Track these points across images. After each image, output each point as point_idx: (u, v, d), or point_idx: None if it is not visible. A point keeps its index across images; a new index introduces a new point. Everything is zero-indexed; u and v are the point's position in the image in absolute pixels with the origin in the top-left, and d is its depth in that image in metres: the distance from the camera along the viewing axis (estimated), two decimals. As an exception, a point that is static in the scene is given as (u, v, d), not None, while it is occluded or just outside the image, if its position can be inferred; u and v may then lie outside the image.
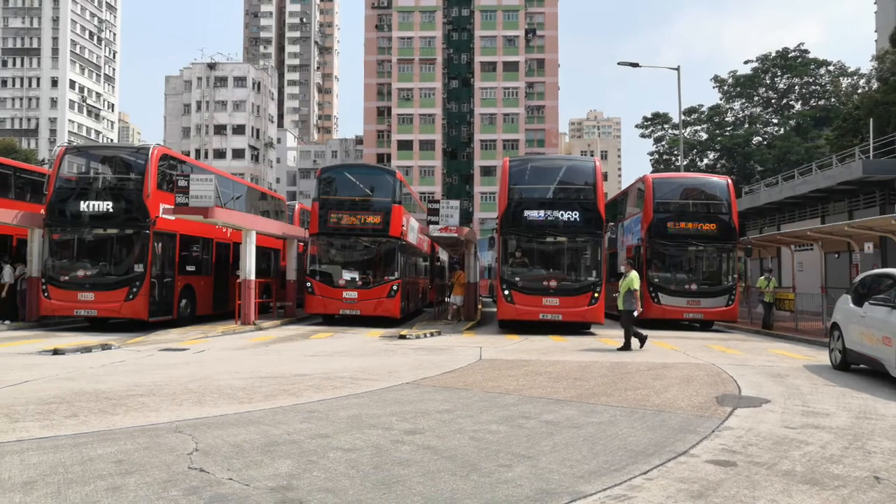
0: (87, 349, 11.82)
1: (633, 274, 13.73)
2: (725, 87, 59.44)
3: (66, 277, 15.81)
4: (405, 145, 72.91)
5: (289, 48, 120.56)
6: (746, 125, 58.65)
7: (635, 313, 13.54)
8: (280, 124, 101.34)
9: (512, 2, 72.87)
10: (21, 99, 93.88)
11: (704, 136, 60.13)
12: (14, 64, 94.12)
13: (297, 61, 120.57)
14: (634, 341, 13.53)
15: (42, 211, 16.56)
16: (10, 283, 16.73)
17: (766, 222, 37.92)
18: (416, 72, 73.08)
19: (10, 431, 5.73)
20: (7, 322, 16.37)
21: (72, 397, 7.34)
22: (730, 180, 20.88)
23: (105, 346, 12.26)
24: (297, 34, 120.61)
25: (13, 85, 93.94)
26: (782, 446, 5.71)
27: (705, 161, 59.08)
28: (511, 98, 72.17)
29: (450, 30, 75.10)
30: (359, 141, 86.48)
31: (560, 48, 75.52)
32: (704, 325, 20.10)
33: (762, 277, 19.59)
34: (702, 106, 60.64)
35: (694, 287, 19.40)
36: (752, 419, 6.82)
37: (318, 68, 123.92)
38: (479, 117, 72.56)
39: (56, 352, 11.33)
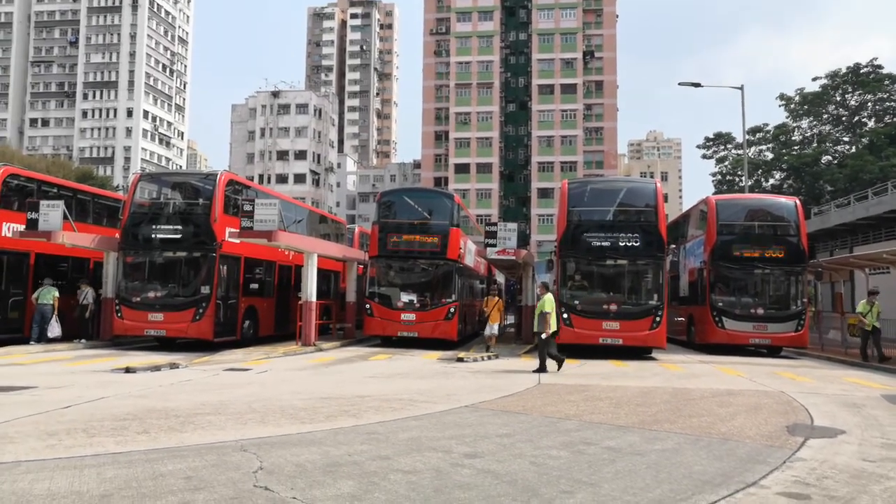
0: (157, 368, 12.26)
1: (547, 296, 13.54)
2: (792, 106, 57.64)
3: (138, 298, 16.46)
4: (462, 169, 73.39)
5: (349, 75, 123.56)
6: (815, 144, 56.67)
7: (543, 335, 13.29)
8: (340, 149, 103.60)
9: (570, 24, 72.92)
10: (99, 129, 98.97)
11: (770, 155, 58.34)
12: (94, 96, 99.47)
13: (356, 88, 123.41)
14: (552, 363, 13.38)
15: (117, 235, 17.35)
16: (90, 303, 17.50)
17: (837, 244, 36.40)
18: (473, 96, 73.72)
19: (87, 446, 5.99)
20: (83, 341, 17.13)
21: (143, 414, 7.62)
22: (798, 201, 20.19)
23: (173, 365, 12.69)
24: (357, 62, 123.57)
25: (92, 116, 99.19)
26: (860, 480, 5.44)
27: (771, 181, 57.28)
28: (569, 120, 71.87)
29: (507, 54, 75.60)
30: (417, 165, 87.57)
31: (618, 69, 74.90)
32: (772, 352, 19.36)
33: (864, 301, 17.13)
34: (767, 125, 58.98)
35: (760, 311, 18.74)
36: (826, 450, 6.52)
37: (377, 94, 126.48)
38: (537, 140, 72.48)
39: (128, 370, 11.79)
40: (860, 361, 16.61)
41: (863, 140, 53.05)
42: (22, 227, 16.05)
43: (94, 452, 5.76)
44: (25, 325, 16.69)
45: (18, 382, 10.09)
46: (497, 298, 18.58)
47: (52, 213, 15.91)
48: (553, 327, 13.39)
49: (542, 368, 13.21)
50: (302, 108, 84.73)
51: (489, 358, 15.85)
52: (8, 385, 9.80)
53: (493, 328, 17.92)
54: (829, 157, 55.61)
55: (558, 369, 13.40)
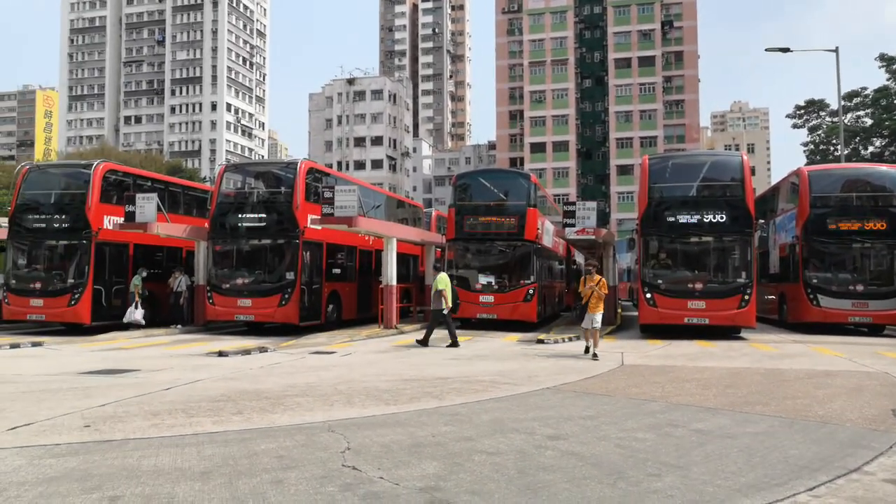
0: (247, 352, 12.80)
1: (440, 275, 14.77)
2: (895, 67, 53.69)
3: (228, 285, 17.19)
4: (538, 148, 72.51)
5: (422, 59, 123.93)
6: (921, 107, 52.62)
7: (444, 311, 14.41)
8: (415, 134, 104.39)
9: (646, -6, 70.43)
10: (186, 123, 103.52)
11: (869, 121, 54.62)
12: (181, 92, 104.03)
13: (430, 71, 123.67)
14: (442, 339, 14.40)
15: (206, 224, 18.14)
16: (184, 290, 18.40)
17: (946, 214, 33.80)
18: (547, 73, 72.52)
19: (187, 426, 6.33)
20: (179, 326, 18.07)
21: (236, 396, 7.98)
22: (901, 169, 18.88)
23: (262, 349, 13.21)
24: (429, 45, 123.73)
25: (180, 111, 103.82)
26: (976, 467, 5.07)
27: (870, 149, 53.68)
28: (648, 94, 69.66)
29: (581, 28, 73.81)
30: (491, 146, 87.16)
31: (699, 38, 71.89)
32: (873, 330, 18.26)
33: None
34: (865, 89, 55.18)
35: (860, 288, 17.68)
36: (937, 435, 6.11)
37: (450, 77, 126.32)
38: (615, 115, 70.66)
39: (221, 354, 12.37)
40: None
41: (975, 100, 48.88)
42: (121, 220, 17.04)
43: (194, 432, 6.08)
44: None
45: (124, 366, 10.79)
46: (600, 277, 13.06)
47: (147, 206, 16.79)
48: (449, 304, 14.47)
49: (424, 342, 14.30)
50: (377, 94, 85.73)
51: (570, 340, 15.69)
52: (115, 368, 10.50)
53: (595, 319, 12.56)
54: (937, 121, 51.52)
55: (451, 346, 14.07)
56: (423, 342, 14.39)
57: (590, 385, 9.09)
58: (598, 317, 12.54)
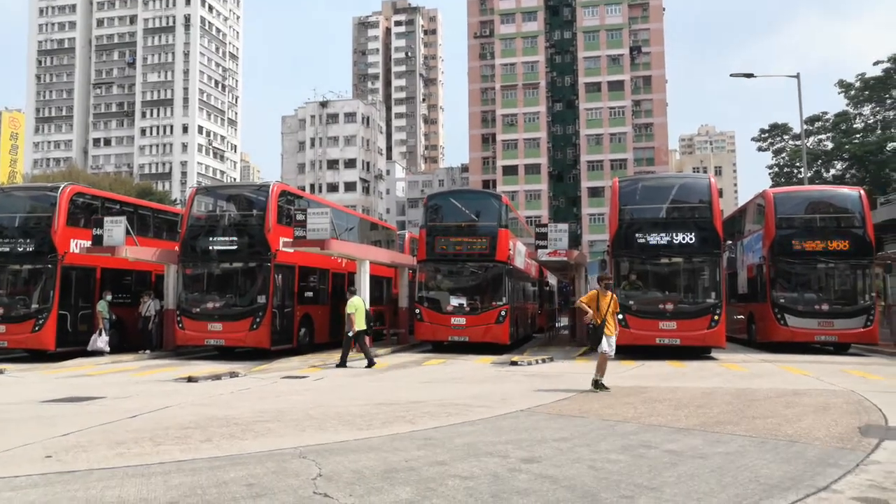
0: (217, 377, 12.57)
1: (353, 299, 15.19)
2: (853, 92, 55.37)
3: (198, 309, 16.92)
4: (510, 170, 73.13)
5: (395, 82, 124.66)
6: (879, 131, 54.28)
7: (350, 333, 14.86)
8: (389, 156, 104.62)
9: (615, 21, 71.93)
10: (157, 146, 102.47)
11: (830, 145, 56.15)
12: (151, 115, 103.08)
13: (403, 94, 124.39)
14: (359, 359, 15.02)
15: (176, 248, 17.89)
16: (153, 315, 18.06)
17: (906, 235, 34.77)
18: (519, 97, 73.42)
19: (154, 454, 6.18)
20: (148, 351, 17.71)
21: (206, 422, 7.82)
22: (862, 191, 19.39)
23: (233, 374, 13.00)
24: (402, 68, 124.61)
25: (151, 133, 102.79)
26: (941, 483, 5.16)
27: (832, 172, 55.09)
28: (617, 117, 70.85)
29: (552, 53, 75.05)
30: (464, 169, 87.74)
31: (667, 63, 73.52)
32: (839, 349, 18.61)
33: None
34: (825, 113, 56.80)
35: (825, 307, 18.04)
36: (902, 452, 6.22)
37: (423, 100, 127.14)
38: (585, 138, 71.68)
39: (190, 379, 12.13)
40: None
41: (931, 125, 50.57)
42: (88, 244, 16.73)
43: (161, 460, 5.93)
44: (94, 337, 17.35)
45: (89, 393, 10.51)
46: (610, 294, 10.95)
47: (115, 229, 16.53)
48: (362, 326, 14.95)
49: (342, 363, 14.64)
50: (350, 116, 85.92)
51: (543, 361, 15.71)
52: (80, 395, 10.22)
53: (611, 343, 10.79)
54: None
55: (368, 366, 14.59)
56: (342, 363, 14.73)
57: (563, 407, 9.10)
58: (614, 340, 10.86)
